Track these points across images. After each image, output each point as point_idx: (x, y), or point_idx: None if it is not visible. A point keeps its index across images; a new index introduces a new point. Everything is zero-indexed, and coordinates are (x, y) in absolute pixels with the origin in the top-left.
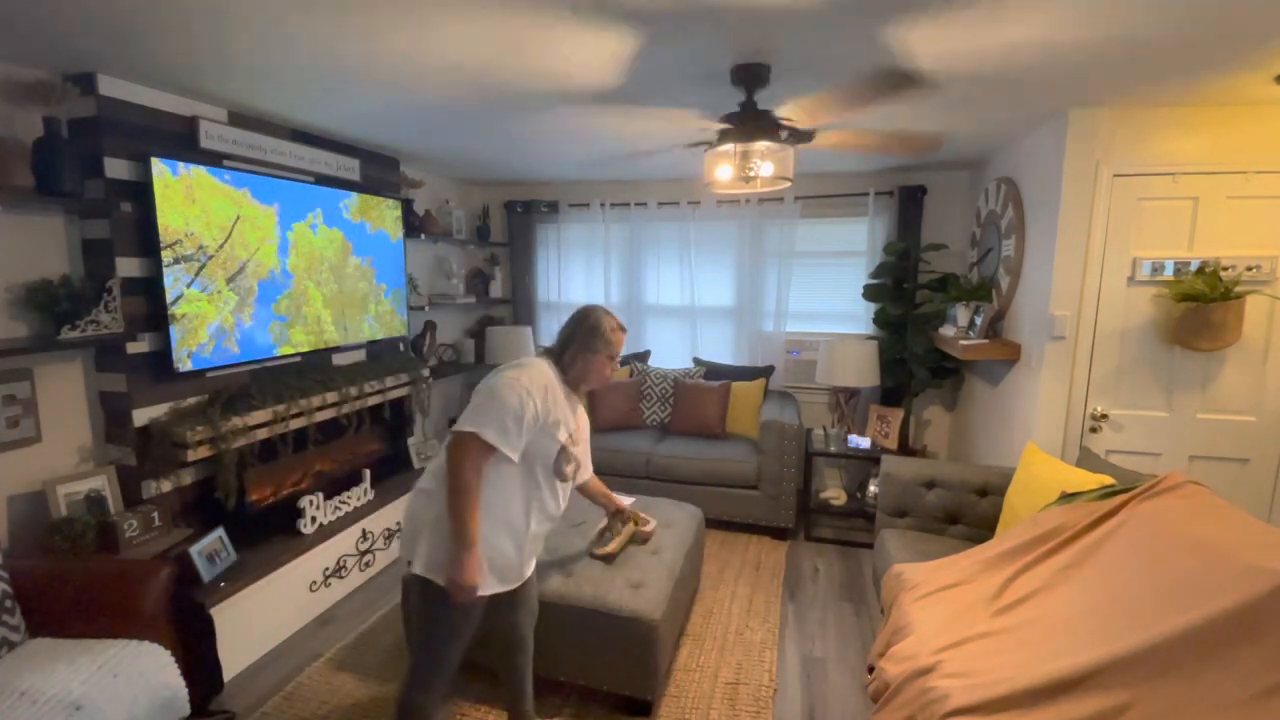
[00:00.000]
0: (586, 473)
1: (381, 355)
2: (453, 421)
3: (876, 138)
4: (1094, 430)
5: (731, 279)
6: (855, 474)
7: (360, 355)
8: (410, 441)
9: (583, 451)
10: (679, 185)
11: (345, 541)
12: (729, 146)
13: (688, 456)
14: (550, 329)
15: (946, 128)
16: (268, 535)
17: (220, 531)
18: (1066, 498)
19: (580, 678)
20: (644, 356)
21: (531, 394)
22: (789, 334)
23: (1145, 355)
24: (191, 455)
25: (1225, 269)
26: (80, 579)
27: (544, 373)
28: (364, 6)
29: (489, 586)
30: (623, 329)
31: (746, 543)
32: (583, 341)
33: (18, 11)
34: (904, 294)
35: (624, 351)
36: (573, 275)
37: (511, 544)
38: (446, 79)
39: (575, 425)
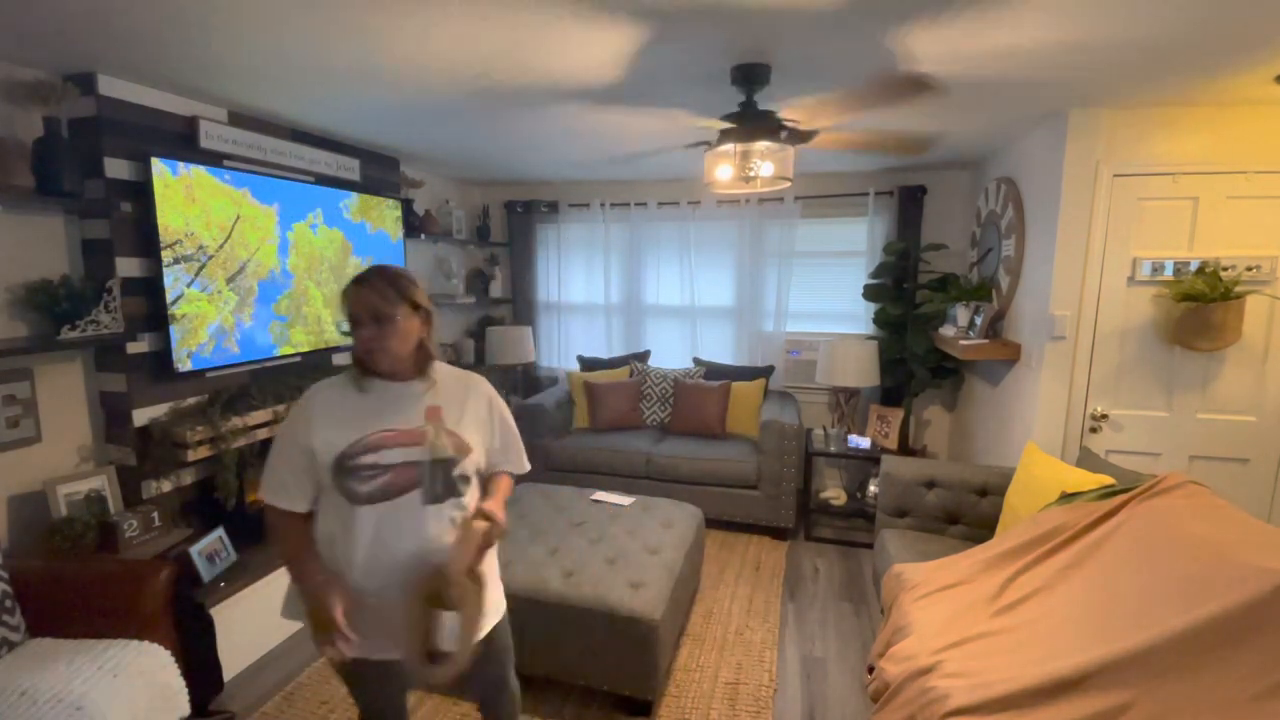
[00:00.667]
0: (508, 464)
1: None
2: None
3: (876, 136)
4: (1094, 430)
5: (731, 279)
6: (855, 474)
7: None
8: None
9: (418, 451)
10: (679, 185)
11: None
12: (729, 146)
13: (688, 456)
14: (550, 329)
15: (947, 127)
16: (268, 535)
17: (220, 531)
18: (1066, 498)
19: (580, 678)
20: (644, 356)
21: (284, 431)
22: (789, 334)
23: (1145, 355)
24: (191, 455)
25: (1225, 269)
26: (80, 579)
27: (322, 387)
28: (364, 5)
29: (374, 650)
30: (361, 282)
31: (746, 543)
32: None
33: (18, 11)
34: (904, 294)
35: (624, 351)
36: (573, 275)
37: (360, 601)
38: (446, 78)
39: (402, 422)
